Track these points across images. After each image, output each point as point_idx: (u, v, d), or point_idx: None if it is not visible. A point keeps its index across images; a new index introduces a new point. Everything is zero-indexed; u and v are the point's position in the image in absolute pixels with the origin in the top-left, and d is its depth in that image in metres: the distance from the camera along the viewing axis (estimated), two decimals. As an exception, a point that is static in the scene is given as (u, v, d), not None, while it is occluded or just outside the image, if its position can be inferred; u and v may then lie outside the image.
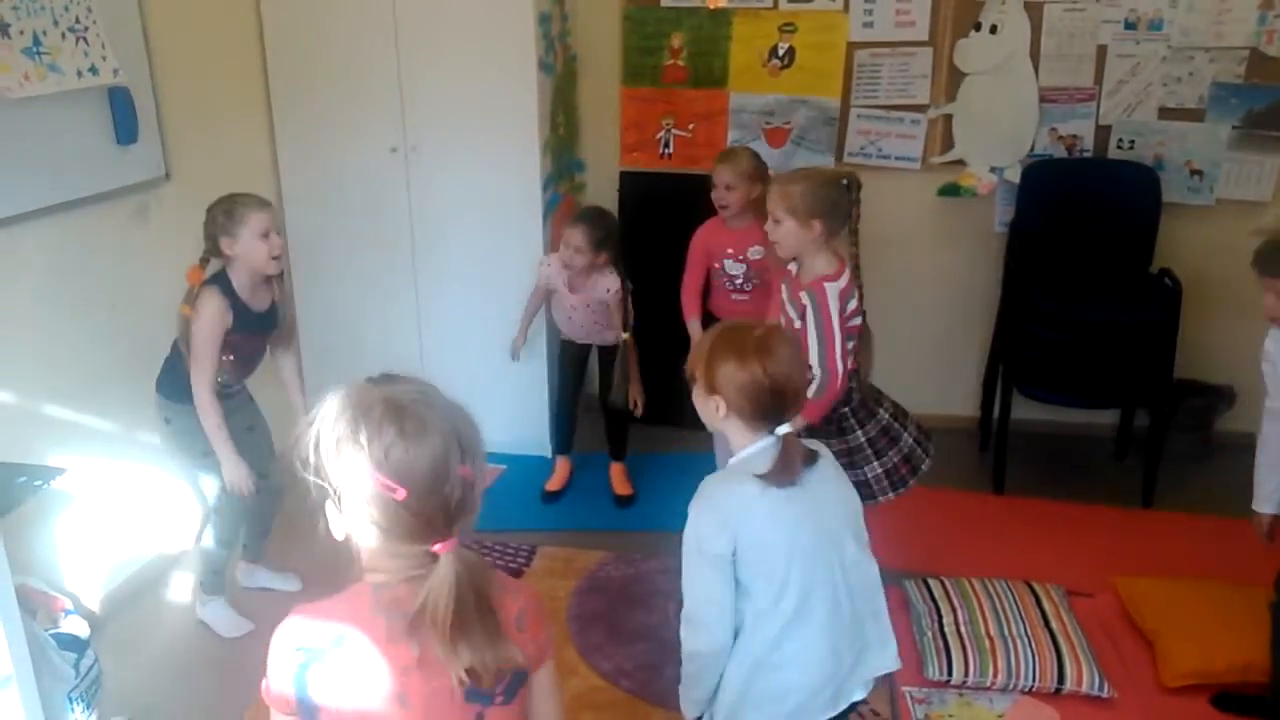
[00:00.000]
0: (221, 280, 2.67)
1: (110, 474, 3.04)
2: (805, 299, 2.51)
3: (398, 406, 1.19)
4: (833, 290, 2.50)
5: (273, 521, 3.07)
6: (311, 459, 1.20)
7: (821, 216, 2.52)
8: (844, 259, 2.60)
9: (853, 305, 2.56)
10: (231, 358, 2.73)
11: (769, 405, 1.74)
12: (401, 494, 1.16)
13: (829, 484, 1.83)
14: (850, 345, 2.55)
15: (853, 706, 1.90)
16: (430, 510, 1.18)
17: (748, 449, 1.79)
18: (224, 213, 2.65)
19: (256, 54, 3.71)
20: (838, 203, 2.55)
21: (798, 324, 2.53)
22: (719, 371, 1.75)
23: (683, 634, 1.80)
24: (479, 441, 1.24)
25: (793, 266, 2.67)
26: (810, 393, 2.41)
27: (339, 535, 1.23)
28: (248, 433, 2.90)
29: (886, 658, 1.92)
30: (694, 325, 3.43)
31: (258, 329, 2.78)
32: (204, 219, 2.68)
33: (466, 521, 1.22)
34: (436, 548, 1.18)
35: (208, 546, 2.97)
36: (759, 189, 3.18)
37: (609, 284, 3.42)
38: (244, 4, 3.64)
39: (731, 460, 1.82)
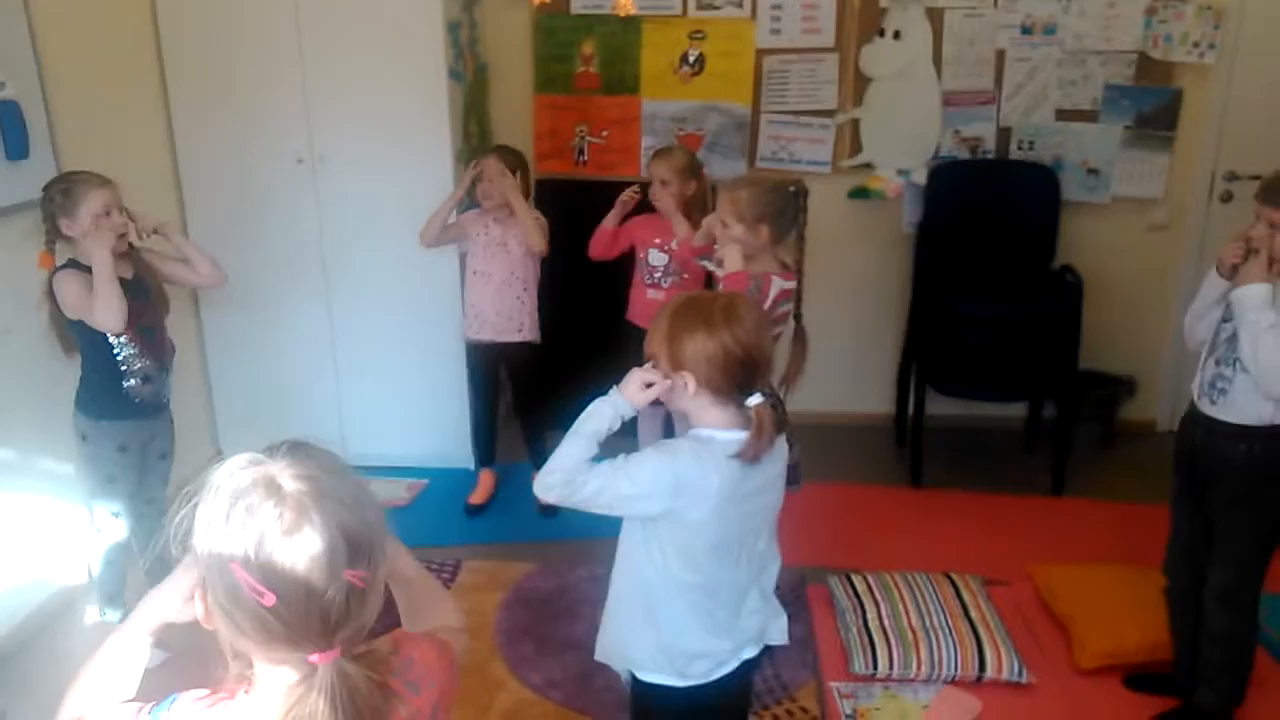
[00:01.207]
0: (71, 263, 2.60)
1: (8, 505, 2.90)
2: (752, 285, 2.54)
3: (278, 493, 1.02)
4: (777, 284, 2.55)
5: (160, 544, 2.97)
6: (183, 537, 1.05)
7: (768, 222, 2.56)
8: (791, 268, 2.63)
9: (785, 308, 2.60)
10: (130, 335, 2.64)
11: (741, 375, 1.69)
12: (269, 599, 0.99)
13: (768, 468, 1.79)
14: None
15: (747, 664, 1.93)
16: (303, 620, 1.01)
17: (720, 431, 1.72)
18: (61, 192, 2.56)
19: (154, 63, 3.58)
20: (784, 209, 2.60)
21: None
22: (685, 345, 1.68)
23: (560, 455, 1.73)
24: (378, 538, 1.07)
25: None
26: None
27: (207, 625, 1.08)
28: (160, 460, 2.86)
29: (778, 630, 1.95)
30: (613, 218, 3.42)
31: (132, 294, 2.65)
32: (40, 199, 2.59)
33: (355, 630, 1.05)
34: (313, 659, 1.02)
35: (97, 573, 2.88)
36: (693, 185, 3.30)
37: (535, 213, 3.46)
38: (139, 12, 3.51)
39: (701, 431, 1.75)
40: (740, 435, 1.72)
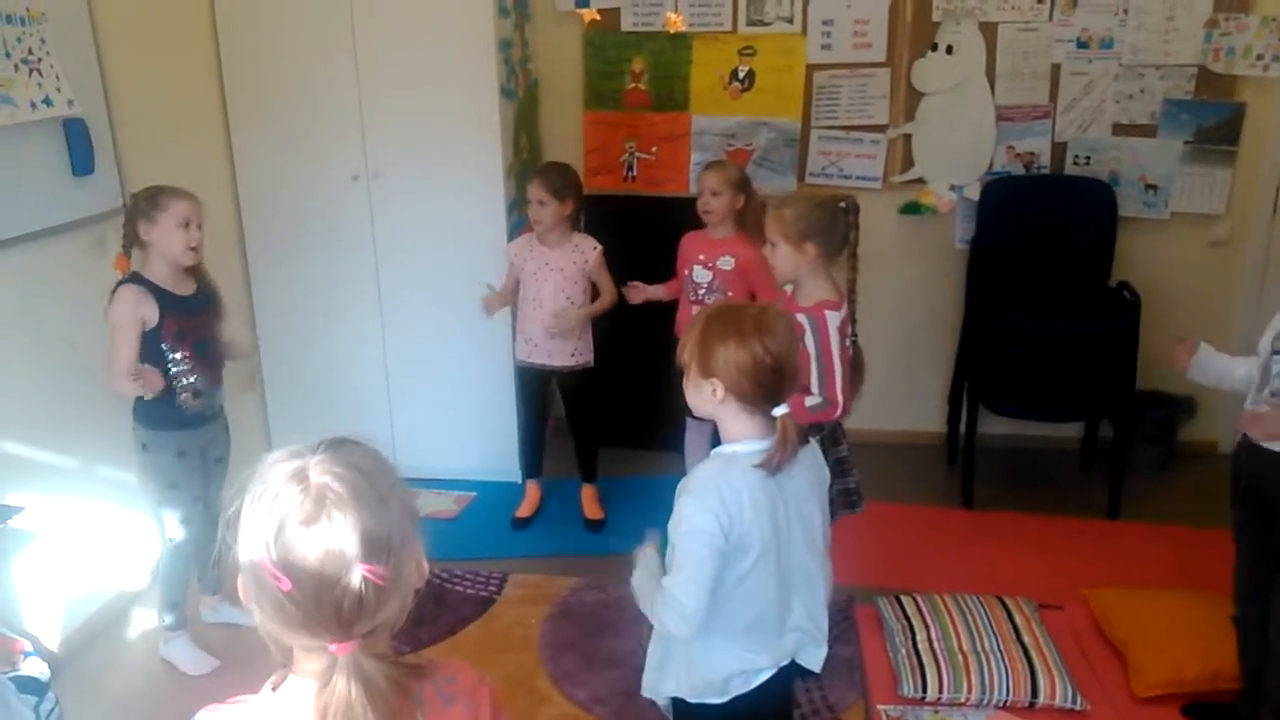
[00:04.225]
0: (134, 278, 2.66)
1: (70, 511, 2.98)
2: (804, 322, 2.49)
3: (304, 484, 1.05)
4: (833, 320, 2.49)
5: (214, 549, 3.02)
6: (233, 524, 1.10)
7: (814, 239, 2.51)
8: (842, 290, 2.59)
9: (847, 342, 2.57)
10: (186, 353, 2.70)
11: (770, 384, 1.70)
12: (286, 584, 1.03)
13: (798, 479, 1.80)
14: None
15: (784, 670, 1.90)
16: (317, 608, 1.04)
17: (745, 442, 1.75)
18: (147, 198, 2.65)
19: (214, 82, 3.68)
20: (832, 225, 2.55)
21: None
22: (716, 353, 1.71)
23: (662, 615, 1.75)
24: (403, 538, 1.09)
25: (788, 288, 2.67)
26: (807, 403, 2.45)
27: (247, 604, 1.11)
28: (216, 464, 2.91)
29: (814, 657, 1.93)
30: (657, 288, 3.45)
31: (191, 310, 2.72)
32: (126, 206, 2.69)
33: (376, 625, 1.07)
34: (333, 649, 1.05)
35: (161, 578, 2.94)
36: (742, 200, 3.29)
37: (590, 244, 3.45)
38: (200, 32, 3.61)
39: (724, 449, 1.78)
40: (763, 445, 1.73)
